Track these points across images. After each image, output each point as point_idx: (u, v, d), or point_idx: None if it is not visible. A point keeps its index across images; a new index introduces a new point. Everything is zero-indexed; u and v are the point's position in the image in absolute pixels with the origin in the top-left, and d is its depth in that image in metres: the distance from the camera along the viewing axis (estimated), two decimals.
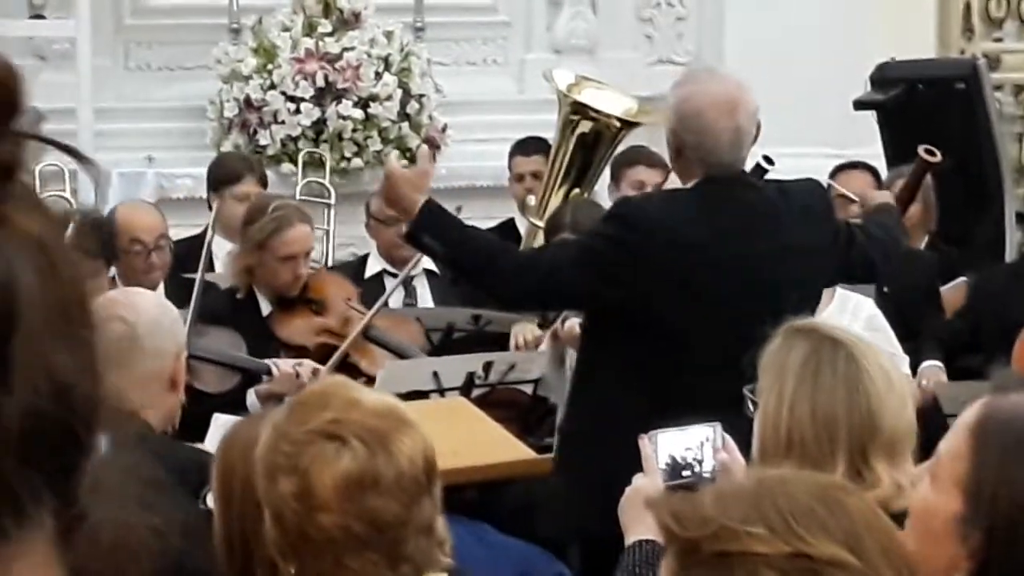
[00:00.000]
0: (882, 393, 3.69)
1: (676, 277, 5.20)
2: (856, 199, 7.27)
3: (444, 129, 9.15)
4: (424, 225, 5.53)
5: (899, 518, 3.13)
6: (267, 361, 6.41)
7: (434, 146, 8.97)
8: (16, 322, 1.03)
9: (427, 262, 7.55)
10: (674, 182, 5.77)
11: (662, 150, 6.34)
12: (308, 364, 6.33)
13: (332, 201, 8.45)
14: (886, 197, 6.38)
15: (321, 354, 6.51)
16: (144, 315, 4.69)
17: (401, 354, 6.63)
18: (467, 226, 5.67)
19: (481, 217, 8.39)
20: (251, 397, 6.27)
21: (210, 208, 7.71)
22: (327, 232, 8.21)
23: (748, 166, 5.57)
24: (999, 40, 10.23)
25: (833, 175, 7.72)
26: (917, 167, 7.57)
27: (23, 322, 1.04)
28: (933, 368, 6.73)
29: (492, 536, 3.90)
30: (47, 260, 1.07)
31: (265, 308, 6.80)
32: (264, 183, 7.93)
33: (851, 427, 3.65)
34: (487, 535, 3.75)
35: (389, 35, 9.10)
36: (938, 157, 7.48)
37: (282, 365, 6.37)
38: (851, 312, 5.79)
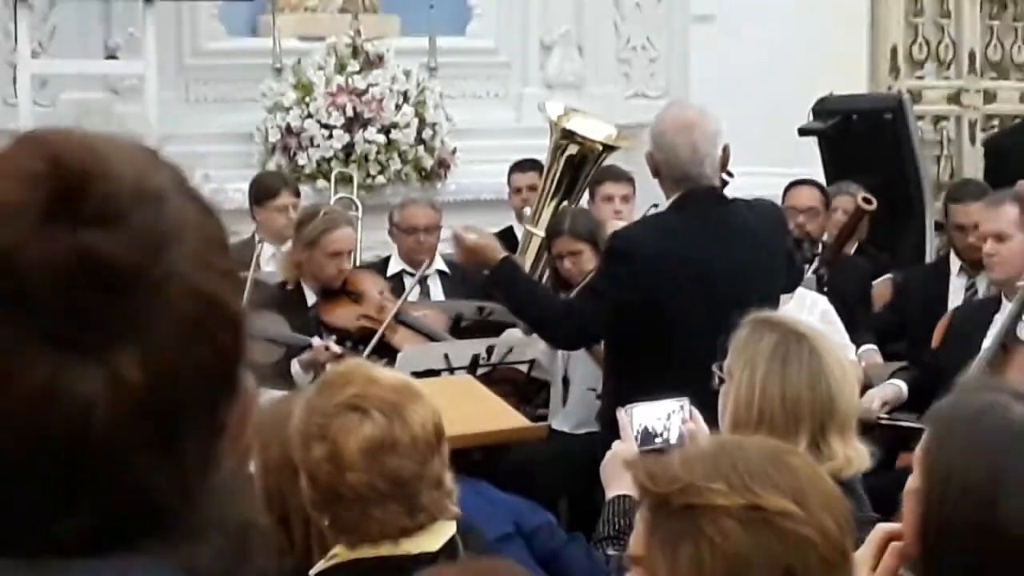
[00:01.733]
0: (839, 380, 3.74)
1: (666, 286, 5.24)
2: None
3: (454, 152, 9.19)
4: (498, 280, 5.82)
5: (847, 485, 3.15)
6: (307, 338, 6.50)
7: (445, 166, 9.06)
8: (86, 439, 1.04)
9: (439, 264, 7.62)
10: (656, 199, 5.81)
11: (637, 170, 6.39)
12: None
13: (359, 214, 8.45)
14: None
15: (360, 335, 6.58)
16: None
17: (428, 334, 6.71)
18: (533, 283, 5.86)
19: (485, 224, 8.44)
20: (295, 366, 6.35)
21: (253, 219, 7.75)
22: (357, 243, 8.23)
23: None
24: (921, 78, 10.27)
25: (786, 190, 7.75)
26: (855, 212, 7.66)
27: (93, 441, 1.04)
28: (870, 351, 6.79)
29: (491, 492, 3.93)
30: (147, 392, 1.06)
31: (311, 298, 6.88)
32: (297, 196, 7.99)
33: (813, 408, 3.69)
34: (487, 491, 3.78)
35: (407, 73, 9.13)
36: (873, 205, 7.63)
37: (319, 341, 6.46)
38: (808, 308, 5.80)
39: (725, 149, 5.44)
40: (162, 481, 1.09)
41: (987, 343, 5.91)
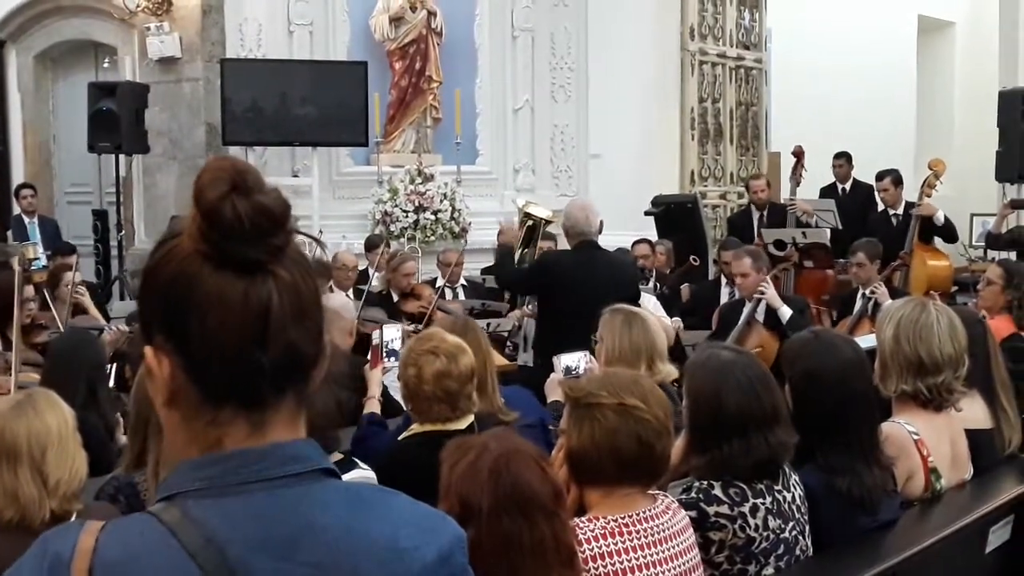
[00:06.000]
0: (656, 334, 3.74)
1: (562, 286, 5.22)
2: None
3: (469, 224, 9.09)
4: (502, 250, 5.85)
5: (667, 390, 3.17)
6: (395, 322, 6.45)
7: (465, 231, 9.02)
8: (268, 320, 1.01)
9: (462, 281, 7.62)
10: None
11: (558, 232, 6.39)
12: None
13: (420, 256, 8.41)
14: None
15: (419, 316, 6.55)
16: (336, 301, 4.70)
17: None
18: (510, 257, 5.69)
19: (486, 262, 8.39)
20: None
21: (367, 258, 7.73)
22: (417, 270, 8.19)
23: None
24: (705, 186, 10.26)
25: (633, 244, 7.75)
26: (687, 266, 7.69)
27: (273, 319, 1.02)
28: (677, 321, 6.76)
29: (532, 398, 3.79)
30: (295, 292, 1.04)
31: (395, 297, 6.86)
32: (388, 247, 7.88)
33: (647, 349, 3.70)
34: (530, 396, 3.70)
35: (445, 184, 9.06)
36: (698, 262, 7.71)
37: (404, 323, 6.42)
38: (645, 302, 5.79)
39: (600, 223, 5.51)
40: (305, 340, 1.05)
41: (740, 322, 5.95)
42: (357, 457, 3.09)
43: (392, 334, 4.09)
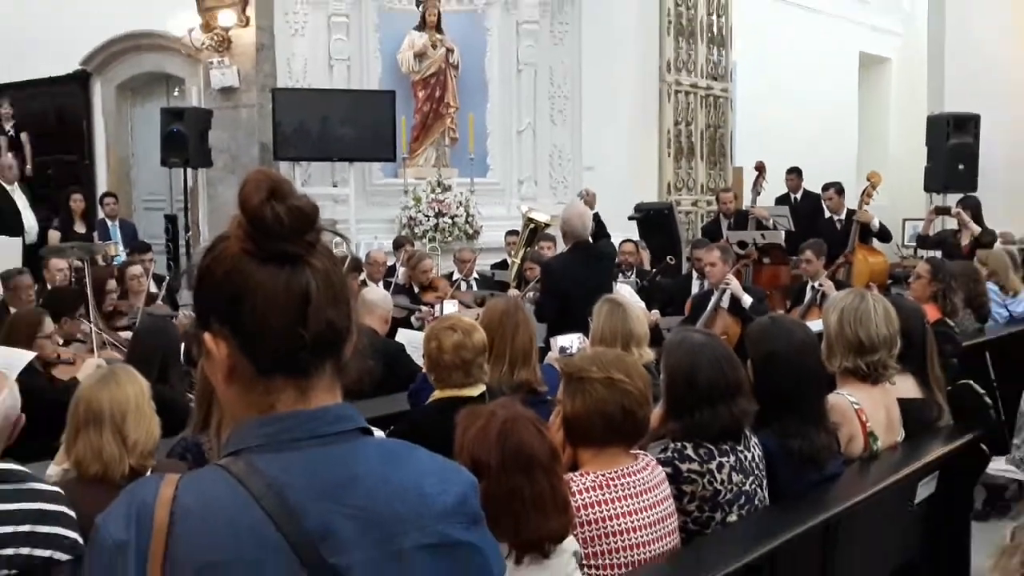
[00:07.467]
0: (635, 321, 3.70)
1: (565, 284, 5.16)
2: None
3: (480, 227, 9.07)
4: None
5: (648, 368, 3.11)
6: (416, 306, 6.42)
7: (477, 232, 9.00)
8: (309, 303, 1.01)
9: (475, 275, 7.59)
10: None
11: (556, 234, 6.38)
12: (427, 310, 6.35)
13: (439, 254, 8.43)
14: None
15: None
16: (376, 294, 4.68)
17: (468, 305, 6.65)
18: (547, 299, 5.32)
19: (495, 259, 8.41)
20: (413, 318, 6.27)
21: (395, 256, 7.72)
22: (436, 266, 8.19)
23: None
24: (680, 194, 10.23)
25: (621, 243, 7.67)
26: (664, 265, 7.59)
27: (312, 301, 1.02)
28: (656, 312, 6.71)
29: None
30: (327, 278, 1.03)
31: (416, 289, 6.83)
32: (413, 246, 7.86)
33: (624, 334, 3.64)
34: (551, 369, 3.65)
35: (461, 193, 9.05)
36: (674, 262, 7.58)
37: (425, 308, 6.38)
38: (622, 290, 5.74)
39: (594, 225, 5.49)
40: (339, 317, 1.05)
41: (707, 309, 5.91)
42: (412, 404, 3.20)
43: (450, 309, 4.12)
